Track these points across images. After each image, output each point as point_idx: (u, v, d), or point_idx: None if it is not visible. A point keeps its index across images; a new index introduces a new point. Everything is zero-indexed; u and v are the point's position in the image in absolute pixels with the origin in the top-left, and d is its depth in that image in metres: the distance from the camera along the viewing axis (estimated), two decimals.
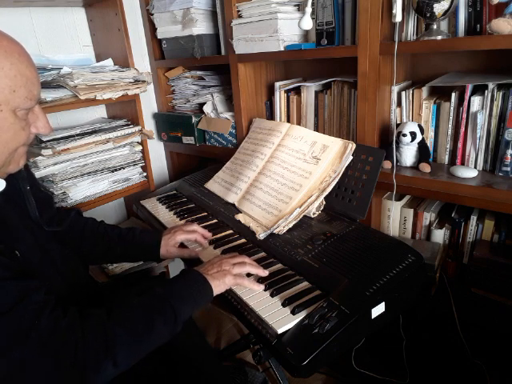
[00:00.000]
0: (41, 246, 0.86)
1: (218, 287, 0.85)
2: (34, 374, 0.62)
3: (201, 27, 1.49)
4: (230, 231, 1.19)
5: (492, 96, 1.01)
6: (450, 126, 1.11)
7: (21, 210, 0.85)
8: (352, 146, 1.15)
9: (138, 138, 1.59)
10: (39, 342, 0.62)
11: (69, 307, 0.69)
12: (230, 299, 0.89)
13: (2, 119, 0.68)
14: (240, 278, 0.88)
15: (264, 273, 0.92)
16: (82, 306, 0.76)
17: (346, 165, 1.14)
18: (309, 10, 1.14)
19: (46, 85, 1.33)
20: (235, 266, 0.89)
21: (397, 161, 1.17)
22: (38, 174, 1.32)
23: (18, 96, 0.68)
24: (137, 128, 1.57)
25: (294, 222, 1.10)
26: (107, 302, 0.98)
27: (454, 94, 1.07)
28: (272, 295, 0.87)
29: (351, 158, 1.14)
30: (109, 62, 1.55)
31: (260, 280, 0.92)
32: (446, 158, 1.15)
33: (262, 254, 1.05)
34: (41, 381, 0.62)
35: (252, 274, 0.93)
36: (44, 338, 0.62)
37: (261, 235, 1.09)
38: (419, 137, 1.12)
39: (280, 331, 0.77)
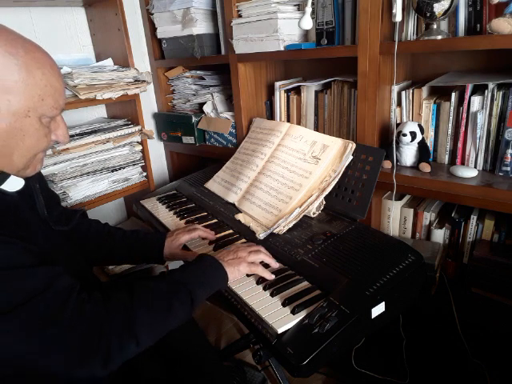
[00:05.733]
0: (51, 245, 0.86)
1: (232, 273, 0.88)
2: (61, 353, 0.64)
3: (201, 27, 1.49)
4: (230, 231, 1.18)
5: (492, 96, 1.01)
6: (449, 125, 1.11)
7: (32, 208, 0.86)
8: (352, 146, 1.15)
9: (137, 138, 1.59)
10: (67, 324, 0.65)
11: (93, 291, 0.72)
12: (230, 299, 0.89)
13: (28, 125, 0.71)
14: (254, 266, 0.91)
15: (276, 264, 0.96)
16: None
17: (346, 164, 1.14)
18: (309, 9, 1.14)
19: None
20: (251, 254, 0.92)
21: (397, 160, 1.17)
22: None
23: (45, 104, 0.72)
24: (137, 128, 1.57)
25: (294, 222, 1.10)
26: None
27: (453, 94, 1.08)
28: (272, 295, 0.87)
29: (351, 157, 1.14)
30: (109, 62, 1.55)
31: (262, 280, 0.92)
32: (446, 157, 1.15)
33: None
34: (68, 359, 0.64)
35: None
36: (72, 319, 0.65)
37: (261, 235, 1.09)
38: (419, 136, 1.12)
39: (280, 331, 0.77)
